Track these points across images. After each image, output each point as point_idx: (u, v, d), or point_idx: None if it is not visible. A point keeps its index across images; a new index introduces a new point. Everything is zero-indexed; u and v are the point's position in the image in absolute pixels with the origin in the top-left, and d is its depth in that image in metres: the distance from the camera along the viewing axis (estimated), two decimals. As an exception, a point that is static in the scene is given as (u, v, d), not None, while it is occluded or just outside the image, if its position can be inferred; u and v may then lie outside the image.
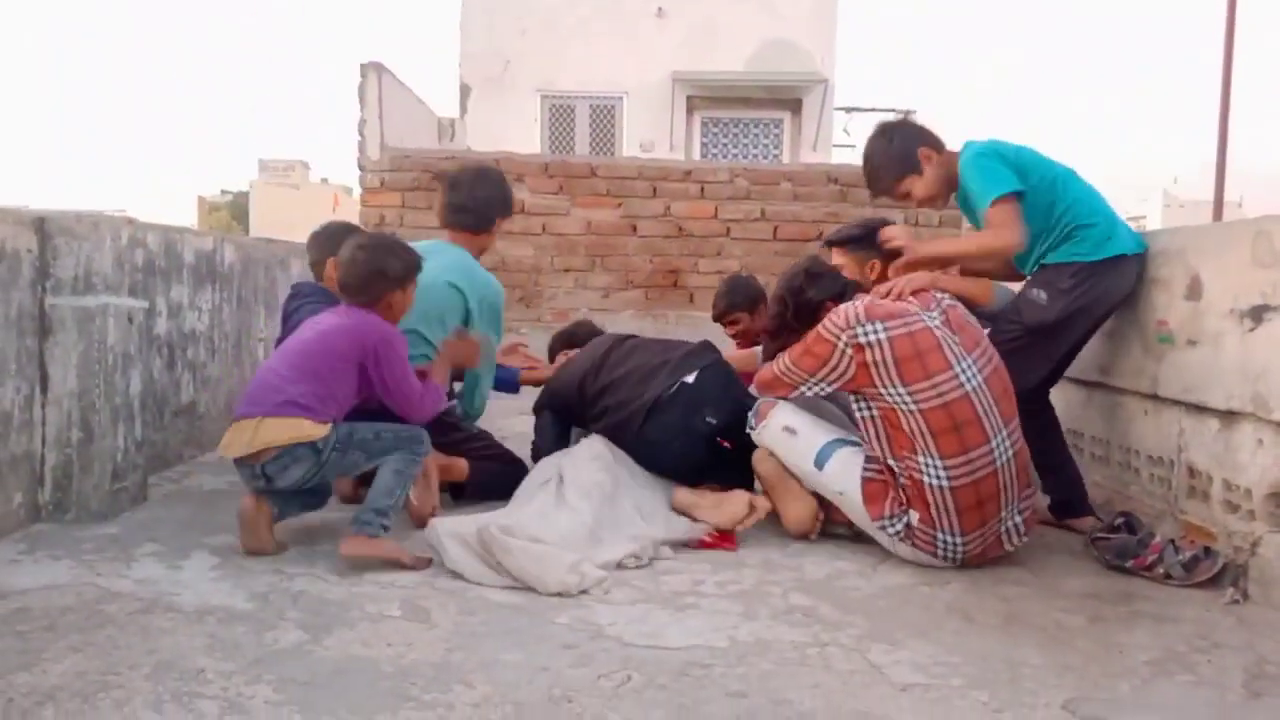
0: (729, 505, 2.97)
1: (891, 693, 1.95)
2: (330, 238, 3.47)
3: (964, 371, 2.70)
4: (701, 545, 2.91)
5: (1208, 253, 2.85)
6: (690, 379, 3.21)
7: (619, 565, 2.67)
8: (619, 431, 3.24)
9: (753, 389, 3.15)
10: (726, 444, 3.19)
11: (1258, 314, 2.59)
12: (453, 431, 3.26)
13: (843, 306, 2.85)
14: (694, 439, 3.18)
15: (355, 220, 7.50)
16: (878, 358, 2.70)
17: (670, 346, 3.46)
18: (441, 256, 3.29)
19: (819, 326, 2.86)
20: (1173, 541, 2.74)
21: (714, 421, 3.17)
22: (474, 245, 3.41)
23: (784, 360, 2.95)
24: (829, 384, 2.84)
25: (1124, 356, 3.23)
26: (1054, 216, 3.04)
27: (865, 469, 2.82)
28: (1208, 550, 2.67)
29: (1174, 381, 2.97)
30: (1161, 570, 2.67)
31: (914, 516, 2.71)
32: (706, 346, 3.43)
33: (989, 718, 1.86)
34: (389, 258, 2.89)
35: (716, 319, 4.59)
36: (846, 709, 1.87)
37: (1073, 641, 2.24)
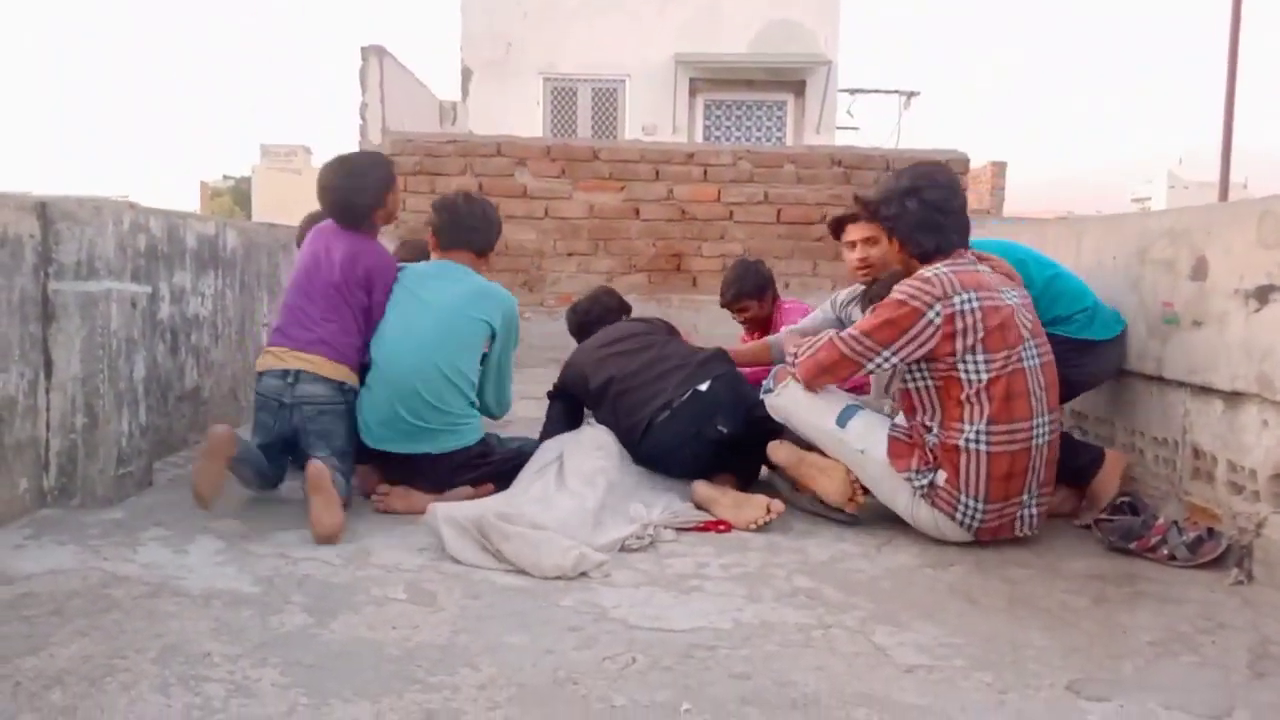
0: (748, 508, 2.95)
1: (896, 674, 1.96)
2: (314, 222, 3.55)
3: (1028, 351, 2.74)
4: (697, 529, 2.92)
5: (1213, 233, 2.84)
6: (703, 387, 3.20)
7: (622, 547, 2.68)
8: (629, 434, 3.24)
9: (788, 379, 3.02)
10: (724, 429, 3.17)
11: (1263, 294, 2.58)
12: (482, 462, 3.21)
13: (930, 273, 2.75)
14: (703, 445, 3.17)
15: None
16: (968, 325, 2.68)
17: (684, 350, 3.42)
18: (458, 282, 3.20)
19: (901, 293, 2.75)
20: (1176, 523, 2.74)
21: (725, 430, 3.17)
22: (477, 267, 3.31)
23: (852, 335, 2.82)
24: (904, 356, 2.74)
25: (1130, 337, 3.22)
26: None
27: (893, 430, 2.84)
28: (1211, 531, 2.68)
29: (1179, 362, 2.96)
30: (1165, 551, 2.67)
31: (940, 476, 2.72)
32: (720, 356, 3.41)
33: (993, 699, 1.86)
34: (362, 179, 3.17)
35: (725, 306, 4.59)
36: (851, 690, 1.88)
37: (1077, 623, 2.25)
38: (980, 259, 2.91)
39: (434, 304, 3.13)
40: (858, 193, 3.16)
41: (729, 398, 3.22)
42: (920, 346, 2.71)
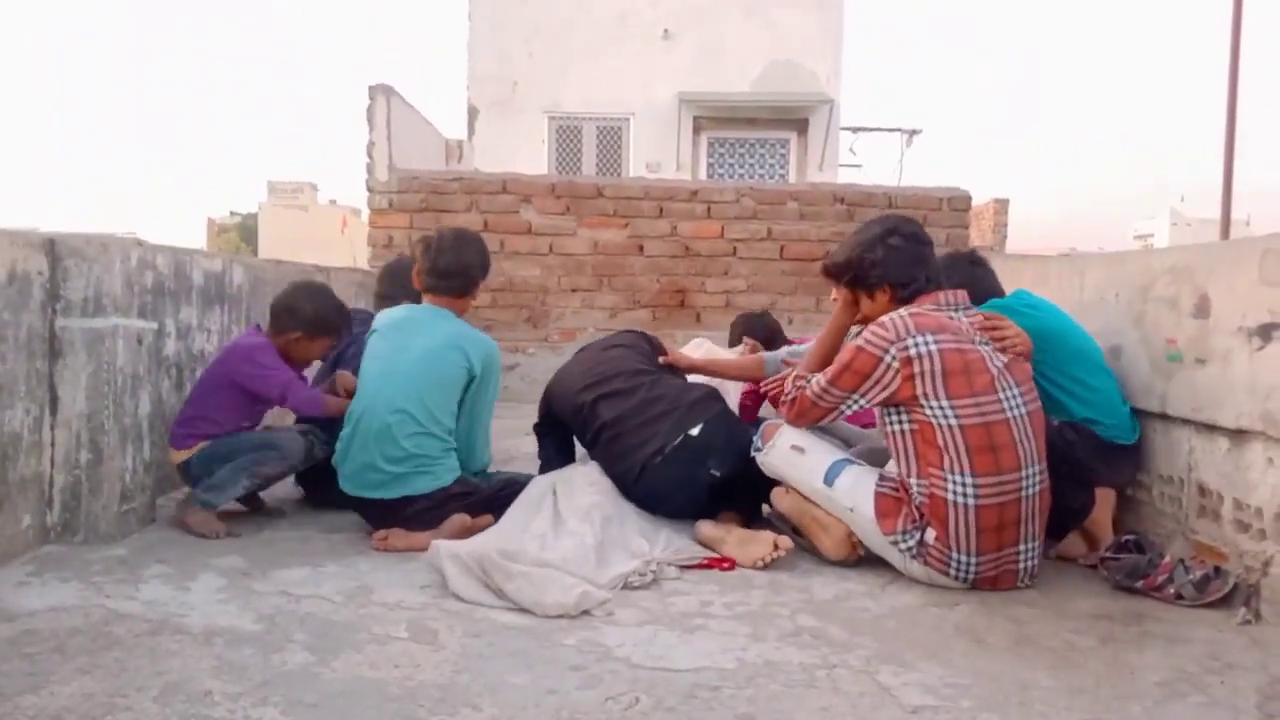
0: (754, 546, 2.93)
1: (901, 715, 1.94)
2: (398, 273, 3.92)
3: (1009, 399, 2.70)
4: (700, 566, 2.90)
5: (1216, 271, 2.85)
6: (695, 431, 3.18)
7: (625, 584, 2.67)
8: (622, 478, 3.23)
9: (774, 438, 3.02)
10: (716, 472, 3.16)
11: (1266, 332, 2.59)
12: (469, 497, 3.20)
13: (887, 319, 2.78)
14: (698, 488, 3.16)
15: (363, 241, 7.55)
16: (925, 369, 2.68)
17: (675, 389, 3.39)
18: (436, 324, 3.24)
19: (858, 341, 2.79)
20: (1183, 561, 2.72)
21: (717, 474, 3.16)
22: (456, 308, 3.33)
23: (818, 383, 2.88)
24: (870, 400, 2.79)
25: (1133, 375, 3.22)
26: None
27: (879, 485, 2.81)
28: (1218, 570, 2.66)
29: (1183, 400, 2.96)
30: (1172, 590, 2.65)
31: (929, 534, 2.69)
32: (710, 396, 3.39)
33: (1000, 740, 1.84)
34: (309, 307, 3.45)
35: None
36: (856, 731, 1.86)
37: (1084, 663, 2.23)
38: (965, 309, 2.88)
39: (410, 348, 3.16)
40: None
41: (721, 440, 3.19)
42: (884, 389, 2.74)
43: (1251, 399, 2.63)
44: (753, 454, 3.07)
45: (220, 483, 3.22)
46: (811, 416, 2.95)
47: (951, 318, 2.80)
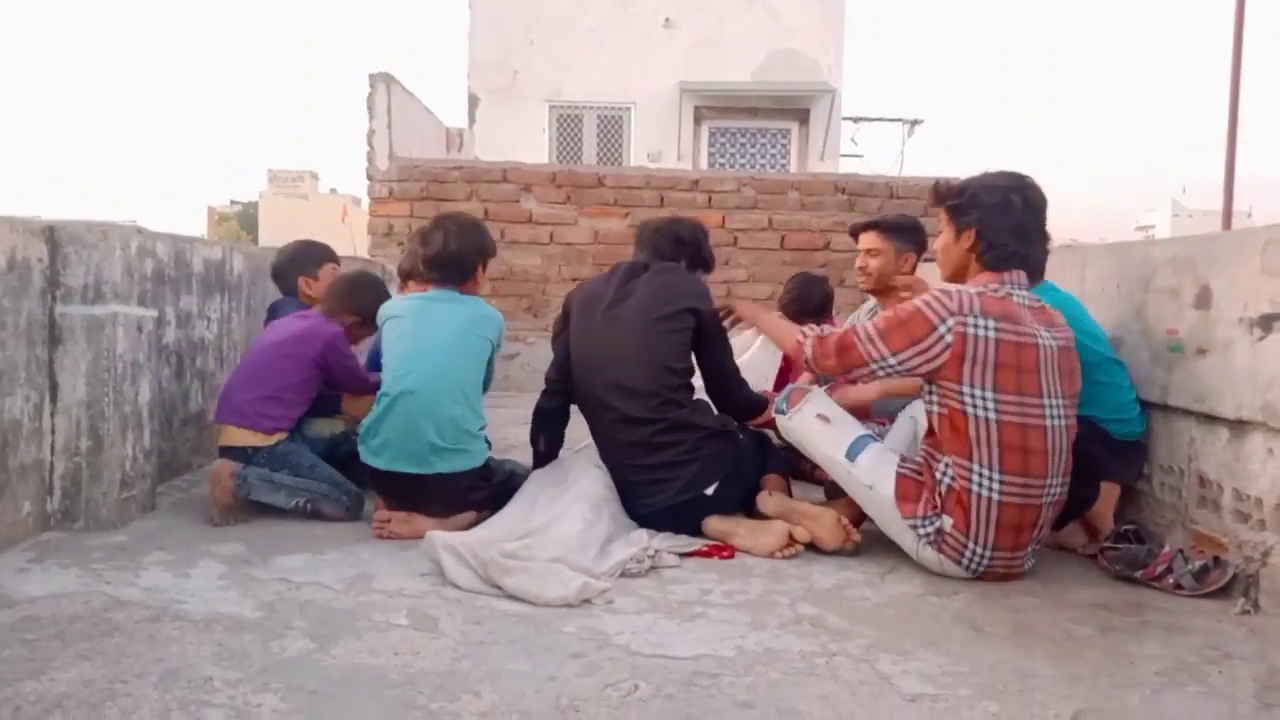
0: (767, 535, 2.91)
1: (900, 703, 1.94)
2: (296, 256, 3.95)
3: (1052, 407, 2.61)
4: (699, 554, 2.91)
5: (1217, 261, 2.84)
6: (710, 491, 3.04)
7: (623, 573, 2.67)
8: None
9: (801, 402, 2.94)
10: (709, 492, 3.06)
11: (1267, 323, 2.58)
12: (485, 485, 3.22)
13: (955, 289, 2.64)
14: (697, 508, 3.08)
15: (363, 230, 7.54)
16: (977, 353, 2.56)
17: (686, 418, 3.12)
18: (453, 305, 3.23)
19: (919, 300, 2.65)
20: (1182, 551, 2.72)
21: (710, 493, 3.06)
22: (464, 292, 3.31)
23: (867, 329, 2.71)
24: (909, 367, 2.64)
25: (1134, 365, 3.22)
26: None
27: (901, 467, 2.77)
28: (1217, 560, 2.66)
29: (1184, 390, 2.96)
30: (1171, 580, 2.65)
31: (948, 522, 2.66)
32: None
33: (998, 728, 1.85)
34: (371, 293, 3.56)
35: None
36: (855, 719, 1.86)
37: (1082, 652, 2.23)
38: (1035, 301, 2.73)
39: (437, 327, 3.16)
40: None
41: (732, 502, 3.09)
42: (928, 361, 2.60)
43: (1252, 390, 2.63)
44: (774, 414, 3.02)
45: (277, 486, 3.22)
46: (845, 359, 2.74)
47: (1018, 302, 2.65)
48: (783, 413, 2.98)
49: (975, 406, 2.59)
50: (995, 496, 2.60)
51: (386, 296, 3.58)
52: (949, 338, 2.58)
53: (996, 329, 2.58)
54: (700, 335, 3.18)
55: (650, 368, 3.08)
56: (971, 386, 2.58)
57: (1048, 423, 2.61)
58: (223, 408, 3.37)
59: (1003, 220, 2.71)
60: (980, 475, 2.61)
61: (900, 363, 2.65)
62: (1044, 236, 2.80)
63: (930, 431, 2.77)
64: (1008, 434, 2.58)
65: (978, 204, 2.74)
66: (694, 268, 3.43)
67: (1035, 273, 2.81)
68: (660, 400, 3.06)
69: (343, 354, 3.44)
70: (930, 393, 2.70)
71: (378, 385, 3.22)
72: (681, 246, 3.41)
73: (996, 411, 2.58)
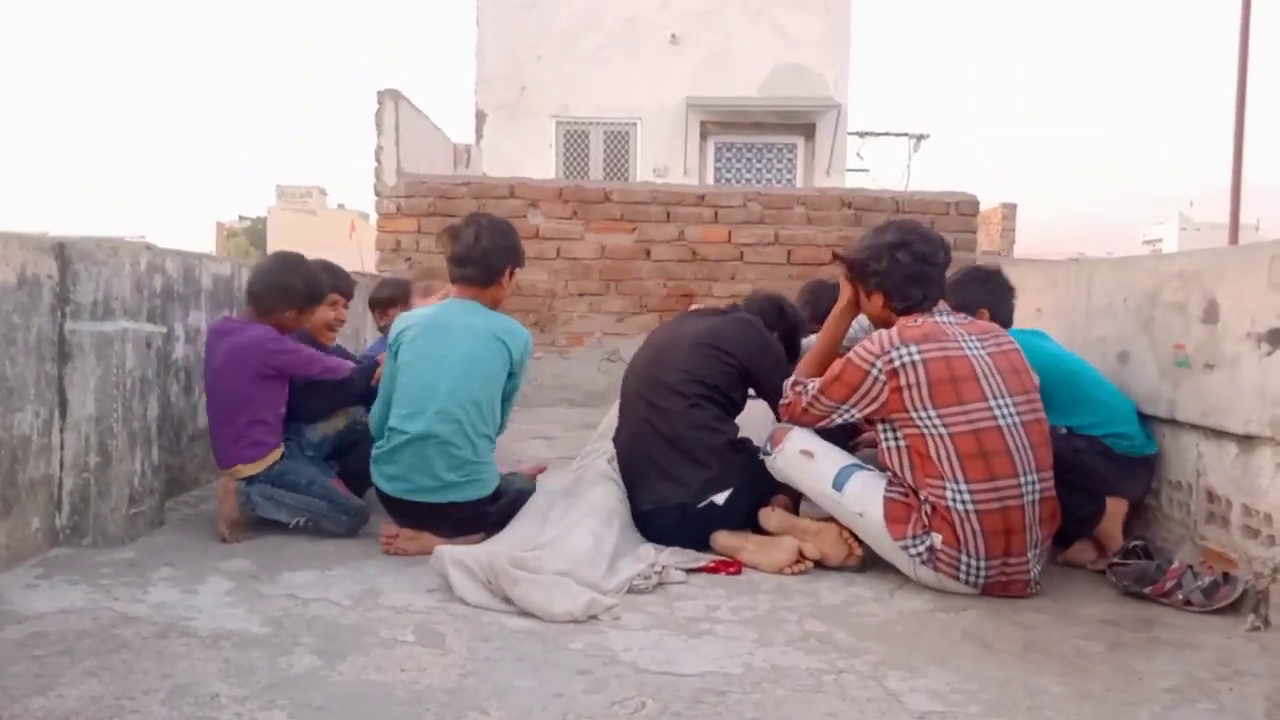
0: (776, 551, 2.92)
1: (908, 720, 1.93)
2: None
3: (1000, 407, 2.70)
4: (706, 569, 2.90)
5: (1224, 276, 2.84)
6: (720, 499, 3.06)
7: (630, 589, 2.67)
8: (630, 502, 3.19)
9: (783, 442, 3.01)
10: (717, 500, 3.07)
11: (1275, 337, 2.58)
12: (494, 508, 3.18)
13: (876, 335, 2.84)
14: (702, 529, 3.09)
15: (371, 245, 7.57)
16: (911, 380, 2.71)
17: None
18: (471, 319, 3.15)
19: (850, 354, 2.84)
20: (1191, 567, 2.71)
21: (719, 501, 3.07)
22: (485, 299, 3.21)
23: (811, 390, 2.93)
24: (860, 411, 2.84)
25: (1141, 380, 3.22)
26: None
27: (888, 491, 2.81)
28: (1227, 576, 2.65)
29: (1192, 405, 2.95)
30: (1181, 596, 2.64)
31: (937, 539, 2.69)
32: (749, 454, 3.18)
33: (1007, 746, 1.84)
34: (293, 278, 3.35)
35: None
36: (863, 737, 1.86)
37: (1092, 669, 2.22)
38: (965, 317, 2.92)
39: (453, 347, 3.08)
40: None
41: (742, 512, 3.10)
42: (873, 401, 2.78)
43: (1261, 404, 2.62)
44: (761, 458, 3.07)
45: (279, 503, 3.23)
46: (803, 422, 3.00)
47: (939, 323, 2.83)
48: (768, 454, 3.03)
49: (927, 427, 2.70)
50: (970, 507, 2.65)
51: (308, 271, 3.44)
52: (882, 376, 2.75)
53: (920, 351, 2.73)
54: (747, 379, 3.30)
55: (690, 375, 3.20)
56: (917, 411, 2.71)
57: (1000, 422, 2.69)
58: (217, 454, 3.32)
59: (897, 276, 2.92)
60: (953, 490, 2.66)
61: (853, 407, 2.85)
62: (942, 269, 2.97)
63: (899, 471, 2.79)
64: (963, 444, 2.67)
65: (872, 270, 2.96)
66: (781, 337, 3.53)
67: (938, 295, 2.96)
68: (691, 403, 3.16)
69: (282, 350, 3.27)
70: (888, 433, 2.80)
71: (348, 369, 3.30)
72: (781, 318, 3.59)
73: (945, 426, 2.68)
